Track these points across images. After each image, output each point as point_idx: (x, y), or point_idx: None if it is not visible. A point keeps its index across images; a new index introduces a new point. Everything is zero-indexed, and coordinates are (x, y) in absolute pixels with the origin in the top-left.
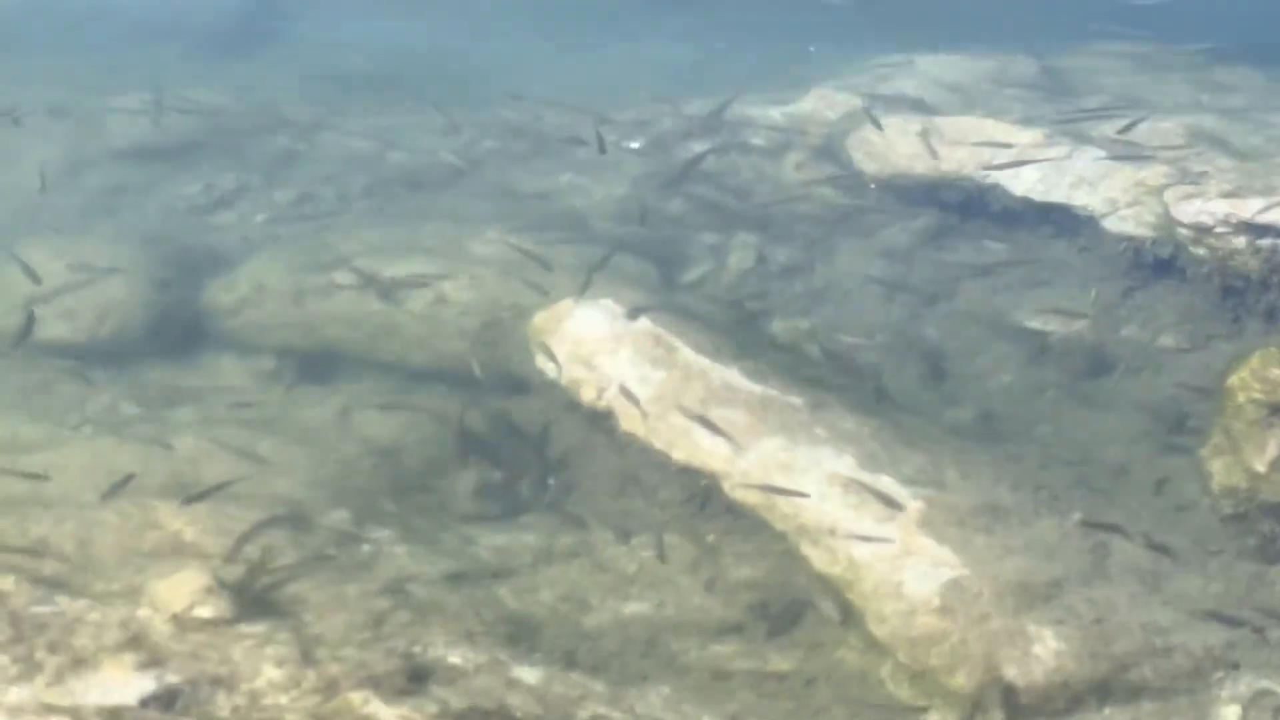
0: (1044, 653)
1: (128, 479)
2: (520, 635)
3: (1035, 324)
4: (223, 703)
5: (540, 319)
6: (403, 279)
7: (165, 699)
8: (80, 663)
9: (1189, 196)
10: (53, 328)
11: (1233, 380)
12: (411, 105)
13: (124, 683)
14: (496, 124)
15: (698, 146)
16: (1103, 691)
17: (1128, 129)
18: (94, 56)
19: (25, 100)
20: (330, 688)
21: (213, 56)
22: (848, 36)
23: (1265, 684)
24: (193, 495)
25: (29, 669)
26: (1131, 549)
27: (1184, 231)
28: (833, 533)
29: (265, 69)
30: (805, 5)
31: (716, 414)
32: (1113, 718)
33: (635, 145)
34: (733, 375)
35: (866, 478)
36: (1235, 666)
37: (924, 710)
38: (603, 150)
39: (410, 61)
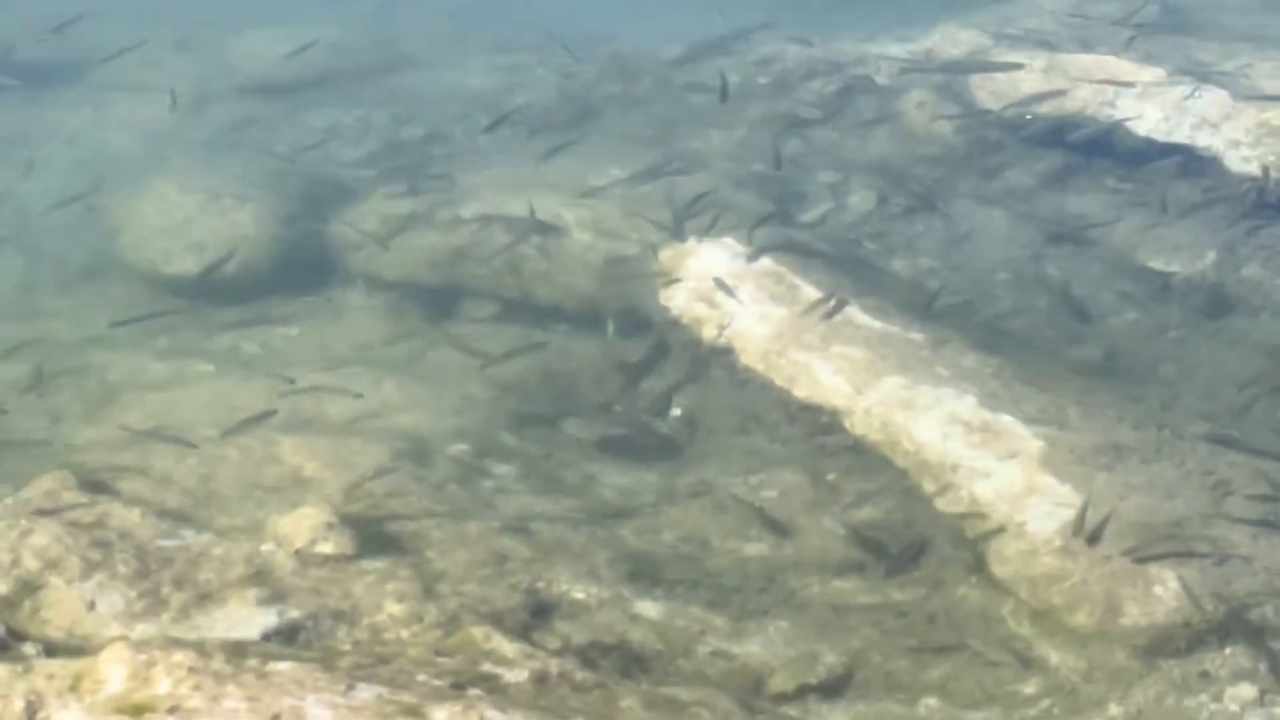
0: (1164, 593)
1: (265, 415)
2: (642, 572)
3: (1158, 264)
4: (344, 637)
5: (665, 256)
6: (527, 216)
7: (287, 633)
8: (205, 597)
9: None
10: (179, 259)
11: None
12: (536, 43)
13: (247, 617)
14: (615, 62)
15: (819, 85)
16: (1223, 631)
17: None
18: None
19: (153, 35)
20: (452, 622)
21: None
22: None
23: None
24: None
25: (155, 604)
26: (1255, 490)
27: None
28: (955, 470)
29: (389, 6)
30: None
31: (837, 350)
32: (1234, 659)
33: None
34: (853, 312)
35: (988, 416)
36: None
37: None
38: (724, 98)
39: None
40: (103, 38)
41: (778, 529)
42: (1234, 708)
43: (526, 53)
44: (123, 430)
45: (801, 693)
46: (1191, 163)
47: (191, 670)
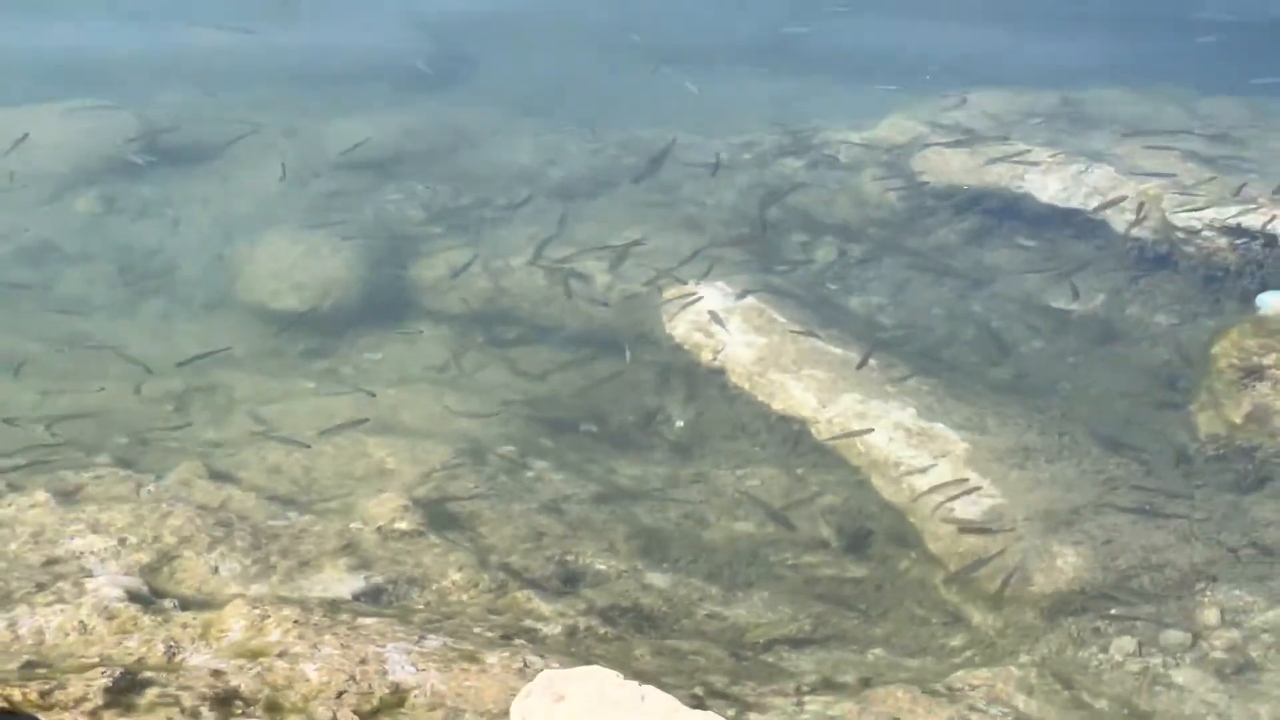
0: (1065, 566)
1: (358, 422)
2: (652, 548)
3: (1058, 304)
4: (417, 598)
5: (670, 295)
6: (559, 263)
7: (372, 594)
8: (305, 564)
9: (1182, 205)
10: (284, 297)
11: (1215, 349)
12: (569, 126)
13: (340, 580)
14: (634, 142)
15: (792, 162)
16: (1110, 597)
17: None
18: (319, 89)
19: (266, 122)
20: (501, 588)
21: (410, 90)
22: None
23: (1238, 593)
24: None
25: (265, 569)
26: (1134, 485)
27: (1177, 233)
28: (898, 467)
29: (450, 100)
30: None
31: (806, 372)
32: (1118, 616)
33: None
34: (822, 342)
35: (925, 424)
36: (1214, 579)
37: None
38: (715, 173)
39: (566, 90)
40: (228, 125)
41: (773, 515)
42: (1118, 657)
43: (562, 134)
44: (249, 432)
45: (774, 644)
46: (1084, 224)
47: (296, 623)
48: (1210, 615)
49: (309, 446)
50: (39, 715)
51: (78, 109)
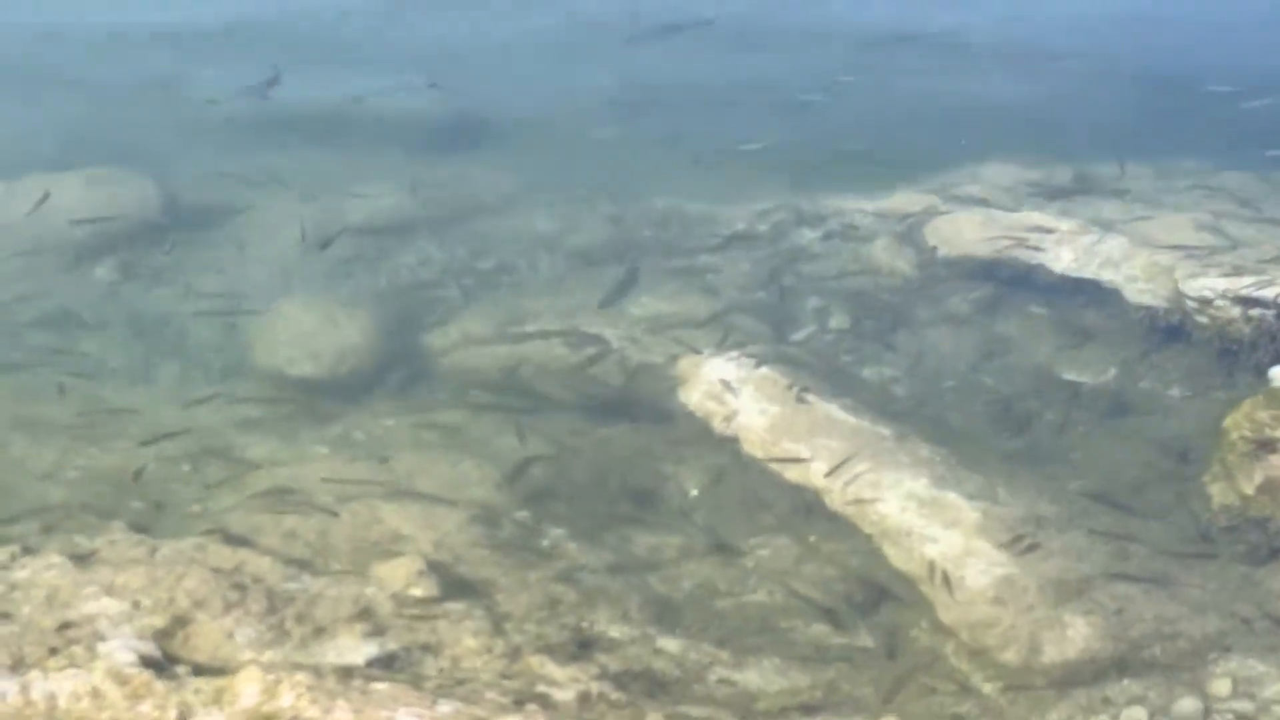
0: (1076, 636)
1: (371, 483)
2: (663, 613)
3: (1070, 375)
4: (430, 665)
5: (683, 364)
6: (579, 332)
7: (386, 660)
8: (320, 630)
9: (1194, 274)
10: (300, 365)
11: (1228, 422)
12: (586, 194)
13: (354, 647)
14: (650, 211)
15: (808, 232)
16: (1121, 666)
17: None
18: (336, 153)
19: (282, 186)
20: (515, 653)
21: (428, 155)
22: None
23: (1251, 662)
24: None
25: (280, 635)
26: (1146, 556)
27: (1190, 303)
28: (909, 536)
29: (467, 165)
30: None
31: (819, 441)
32: (1129, 688)
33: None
34: (833, 410)
35: (936, 494)
36: (1227, 649)
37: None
38: (726, 245)
39: (585, 159)
40: (245, 191)
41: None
42: None
43: (581, 204)
44: (264, 495)
45: (786, 712)
46: (1097, 295)
47: (309, 688)
48: (1222, 686)
49: (336, 515)
50: None
51: (99, 176)
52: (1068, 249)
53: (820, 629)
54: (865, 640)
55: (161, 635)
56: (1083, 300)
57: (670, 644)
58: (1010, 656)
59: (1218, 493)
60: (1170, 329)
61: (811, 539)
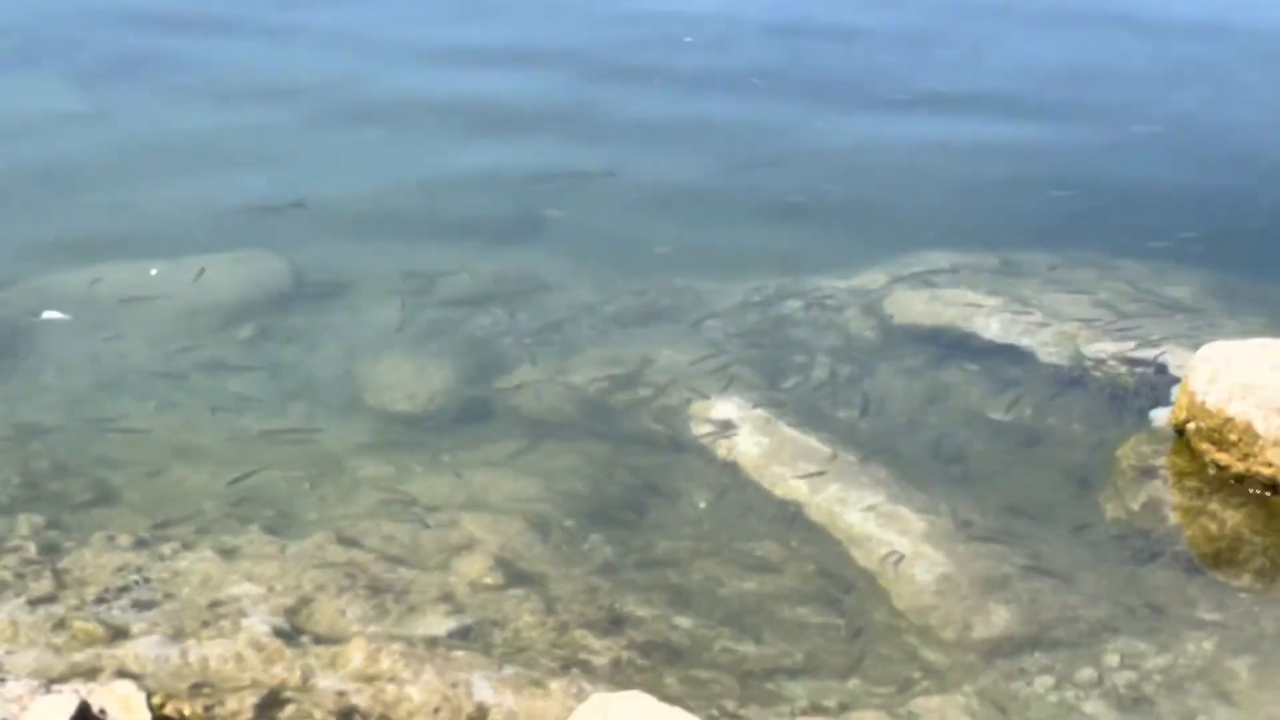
0: (998, 619)
1: (451, 498)
2: (678, 599)
3: (996, 416)
4: (497, 637)
5: (695, 406)
6: (611, 379)
7: (462, 633)
8: (411, 610)
9: (1092, 340)
10: (398, 404)
11: (1118, 453)
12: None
13: (438, 623)
14: (668, 286)
15: (793, 303)
16: (1034, 643)
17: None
18: (426, 240)
19: (387, 267)
20: (562, 628)
21: (497, 243)
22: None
23: (1135, 641)
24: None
25: (381, 613)
26: (1054, 558)
27: (1088, 361)
28: (870, 541)
29: (529, 249)
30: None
31: (801, 466)
32: (1040, 658)
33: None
34: (812, 442)
35: (892, 509)
36: (1116, 630)
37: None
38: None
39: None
40: (354, 270)
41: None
42: (1040, 690)
43: (615, 280)
44: (371, 506)
45: (774, 673)
46: (1017, 355)
47: (403, 654)
48: (1113, 659)
49: (429, 527)
50: None
51: (243, 257)
52: (995, 320)
53: (801, 611)
54: (836, 620)
55: (289, 613)
56: (1006, 359)
57: (683, 622)
58: (948, 634)
59: (1110, 509)
60: (1073, 380)
61: (794, 543)
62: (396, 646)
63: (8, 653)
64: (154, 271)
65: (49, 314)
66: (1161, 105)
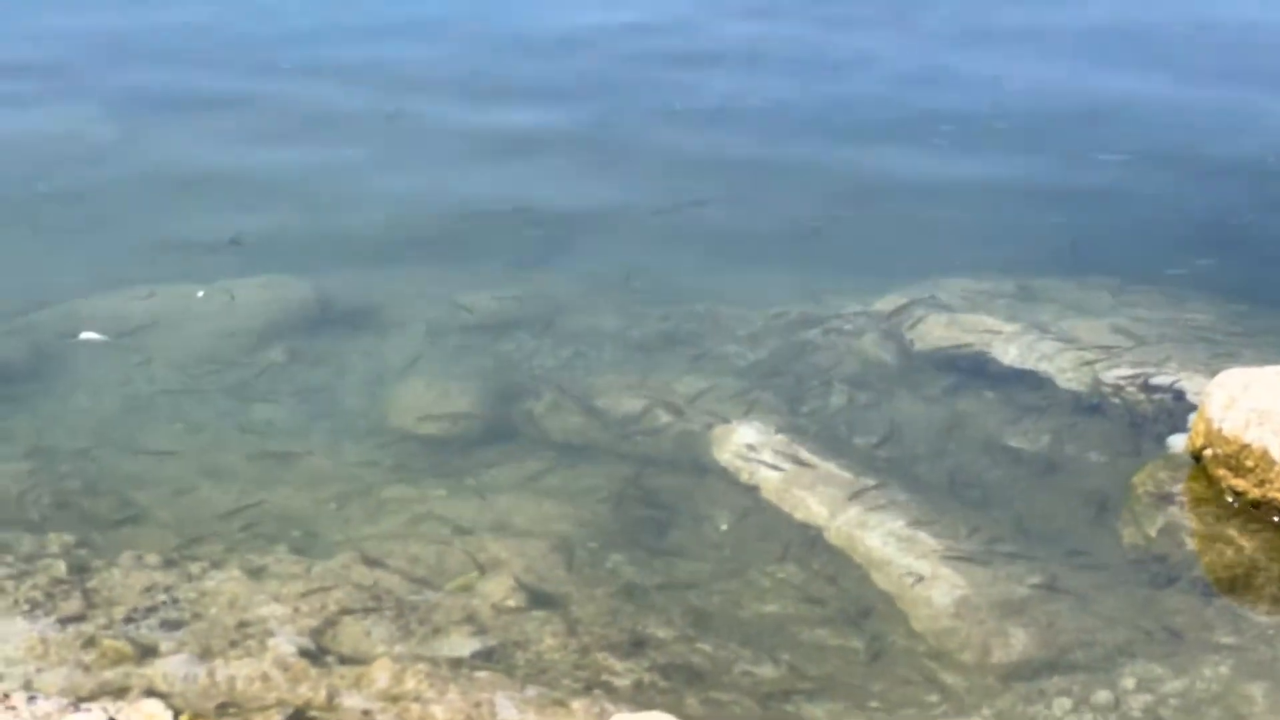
0: (1016, 643)
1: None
2: (699, 621)
3: (1014, 443)
4: (520, 658)
5: (717, 430)
6: (633, 403)
7: (486, 654)
8: (436, 631)
9: (1110, 367)
10: (424, 427)
11: (1135, 479)
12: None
13: (462, 644)
14: (691, 313)
15: (814, 329)
16: (1052, 666)
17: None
18: (450, 266)
19: (413, 291)
20: (584, 650)
21: (520, 268)
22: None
23: (1152, 665)
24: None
25: (406, 633)
26: (1071, 582)
27: (1105, 388)
28: (889, 565)
29: (546, 275)
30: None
31: (820, 491)
32: (1058, 682)
33: None
34: (831, 467)
35: (910, 532)
36: (1133, 654)
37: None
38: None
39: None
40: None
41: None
42: (1058, 712)
43: (638, 306)
44: (396, 526)
45: (792, 694)
46: (1035, 381)
47: (428, 675)
48: (1129, 682)
49: (449, 544)
50: None
51: (271, 282)
52: (1013, 346)
53: (821, 633)
54: (855, 643)
55: (315, 633)
56: (1024, 385)
57: (704, 644)
58: (967, 657)
59: (1127, 534)
60: (1090, 407)
61: (814, 566)
62: (421, 667)
63: (38, 670)
64: (201, 294)
65: (86, 335)
66: (1175, 133)
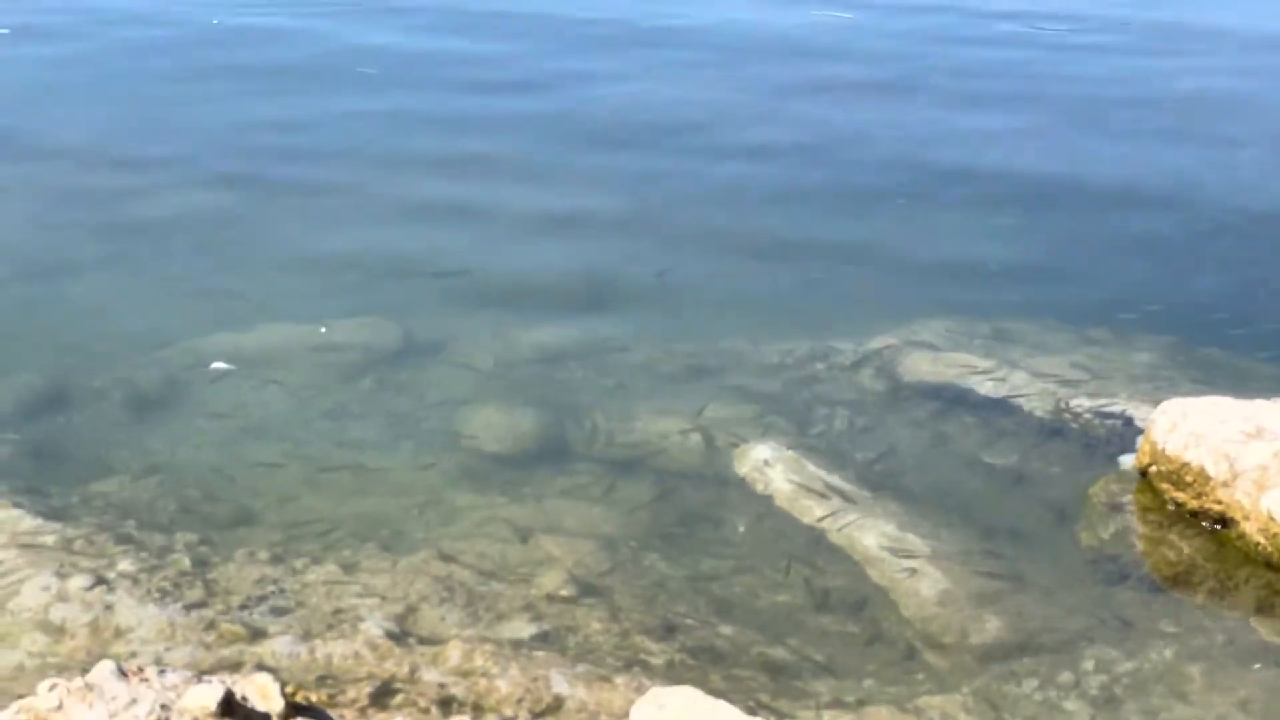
0: (990, 628)
1: (533, 522)
2: (721, 609)
3: (988, 459)
4: (570, 640)
5: (738, 449)
6: (667, 426)
7: (542, 637)
8: (500, 616)
9: (1070, 396)
10: (490, 445)
11: (1091, 491)
12: (670, 342)
13: (521, 628)
14: (713, 350)
15: (818, 363)
16: (1021, 649)
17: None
18: (508, 312)
19: (477, 329)
20: (625, 634)
21: (570, 313)
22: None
23: (1107, 649)
24: None
25: (474, 619)
26: (1037, 577)
27: (1066, 415)
28: (883, 562)
29: (599, 320)
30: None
31: (825, 499)
32: (1027, 663)
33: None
34: (835, 480)
35: (900, 535)
36: (1091, 640)
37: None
38: (763, 373)
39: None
40: (452, 331)
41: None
42: (1027, 690)
43: (667, 346)
44: (466, 529)
45: (800, 672)
46: (1008, 409)
47: (493, 654)
48: (1089, 664)
49: (510, 542)
50: (329, 711)
51: (365, 322)
52: (989, 379)
53: (824, 620)
54: (853, 629)
55: (399, 618)
56: (998, 412)
57: (726, 629)
58: (949, 640)
59: (1085, 538)
60: (1053, 430)
61: (819, 562)
62: (488, 647)
63: (167, 649)
64: (324, 330)
65: (217, 365)
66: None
